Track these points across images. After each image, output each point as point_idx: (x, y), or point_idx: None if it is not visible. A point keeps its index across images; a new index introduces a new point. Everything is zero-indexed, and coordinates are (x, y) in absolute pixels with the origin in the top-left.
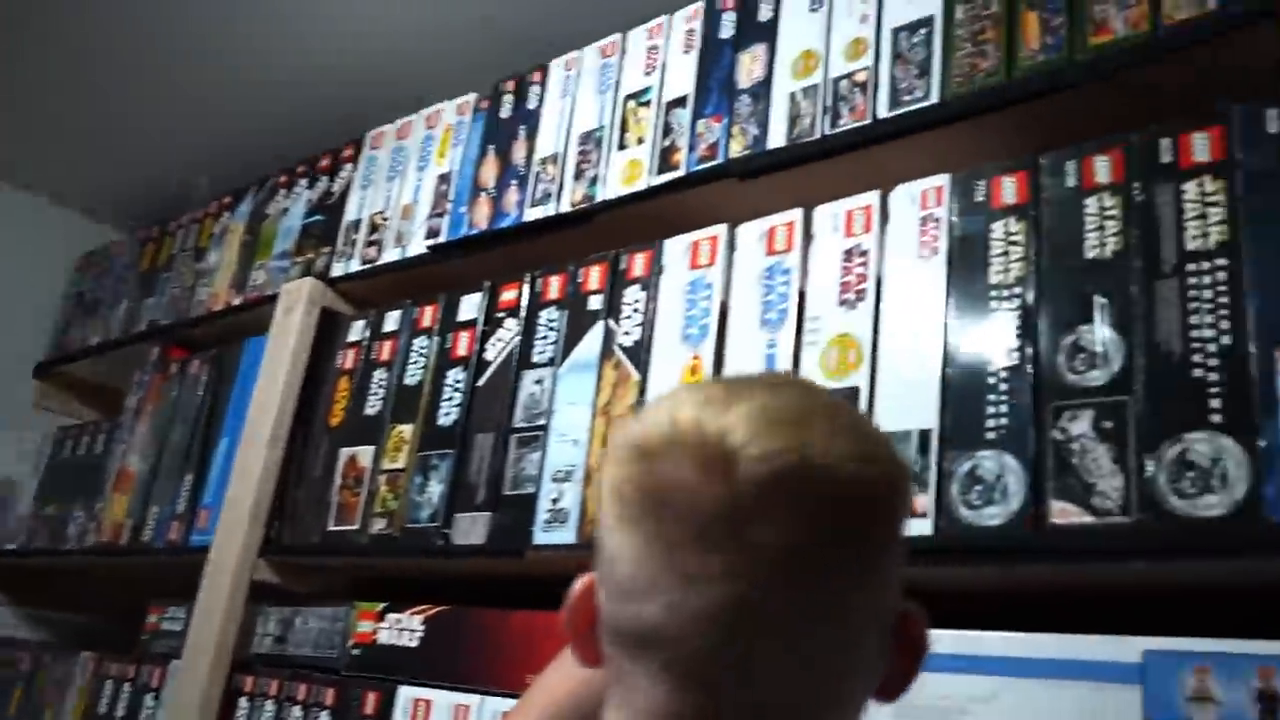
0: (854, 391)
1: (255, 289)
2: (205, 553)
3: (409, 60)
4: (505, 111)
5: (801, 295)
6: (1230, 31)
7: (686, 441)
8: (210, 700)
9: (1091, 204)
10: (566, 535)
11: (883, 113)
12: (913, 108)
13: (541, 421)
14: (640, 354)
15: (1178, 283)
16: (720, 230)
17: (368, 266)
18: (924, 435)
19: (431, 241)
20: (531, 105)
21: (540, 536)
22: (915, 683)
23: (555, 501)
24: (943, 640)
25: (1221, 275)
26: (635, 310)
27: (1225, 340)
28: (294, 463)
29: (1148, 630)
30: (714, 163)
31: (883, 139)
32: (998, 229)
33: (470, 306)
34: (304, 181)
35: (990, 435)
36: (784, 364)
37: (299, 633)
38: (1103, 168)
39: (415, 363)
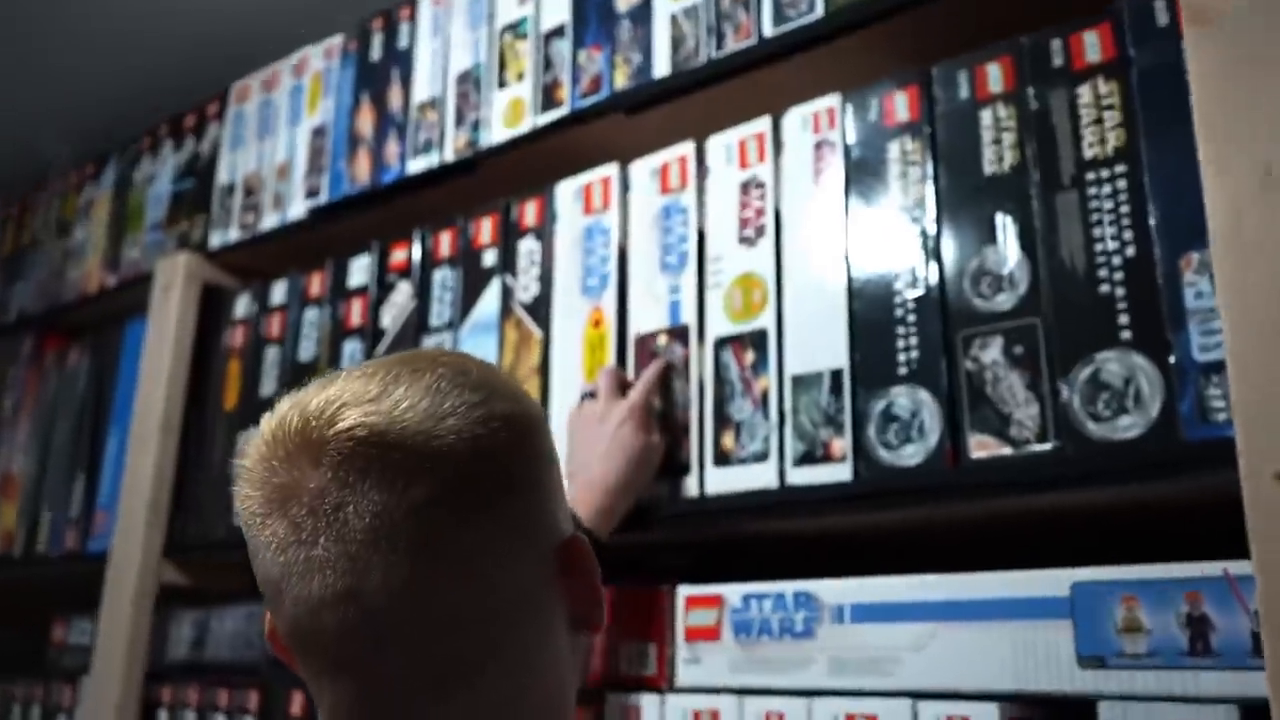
0: (762, 334)
1: (130, 266)
2: (105, 558)
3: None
4: (376, 54)
5: (701, 235)
6: None
7: (278, 441)
8: (126, 715)
9: (986, 116)
10: None
11: (768, 31)
12: (798, 23)
13: None
14: (540, 310)
15: (1078, 194)
16: (612, 170)
17: (247, 235)
18: (835, 375)
19: (312, 203)
20: (403, 45)
21: None
22: (604, 605)
23: None
24: (870, 588)
25: (1121, 184)
26: (531, 263)
27: (1130, 252)
28: (191, 453)
29: (1077, 562)
30: (598, 97)
31: (771, 59)
32: (893, 149)
33: (360, 271)
34: (170, 143)
35: (902, 371)
36: (689, 309)
37: (217, 635)
38: (995, 76)
39: (308, 336)
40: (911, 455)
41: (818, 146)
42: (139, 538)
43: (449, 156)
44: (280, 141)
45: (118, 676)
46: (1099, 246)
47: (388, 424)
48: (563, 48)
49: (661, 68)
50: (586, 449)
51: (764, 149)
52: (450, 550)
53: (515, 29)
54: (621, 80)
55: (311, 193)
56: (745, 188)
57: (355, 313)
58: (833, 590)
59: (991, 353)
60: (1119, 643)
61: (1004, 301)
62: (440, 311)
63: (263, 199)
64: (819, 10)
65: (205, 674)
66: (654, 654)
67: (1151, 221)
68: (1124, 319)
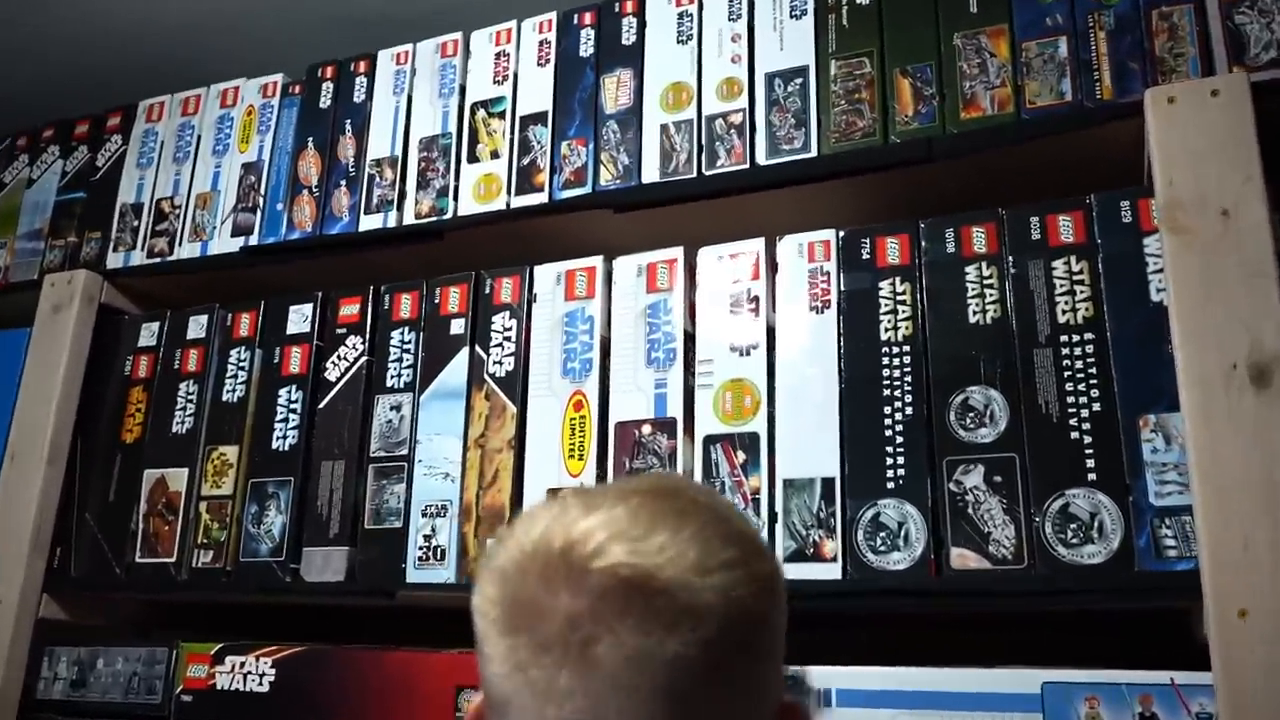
0: (754, 437)
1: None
2: None
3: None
4: (324, 101)
5: (689, 336)
6: (1088, 126)
7: (537, 557)
8: None
9: (972, 271)
10: (444, 574)
11: (762, 159)
12: (792, 158)
13: (403, 451)
14: (515, 385)
15: (1053, 352)
16: (596, 262)
17: (154, 260)
18: (827, 483)
19: (247, 241)
20: (358, 99)
21: (414, 575)
22: None
23: (428, 538)
24: (856, 676)
25: (1090, 349)
26: (506, 339)
27: (1096, 406)
28: (78, 484)
29: (1044, 658)
30: (582, 190)
31: (765, 186)
32: (885, 287)
33: (300, 318)
34: (54, 149)
35: (890, 485)
36: (675, 404)
37: (102, 675)
38: (979, 238)
39: (234, 376)
40: (897, 561)
41: (813, 273)
42: (19, 570)
43: (409, 219)
44: (203, 169)
45: None
46: (1070, 399)
47: (654, 568)
48: (541, 134)
49: (650, 173)
50: None
51: (758, 266)
52: (696, 708)
53: (489, 106)
54: (607, 177)
55: (242, 229)
56: (737, 299)
57: (294, 360)
58: (821, 675)
59: (974, 478)
60: None
61: (986, 435)
62: (398, 372)
63: (178, 226)
64: (813, 149)
65: (91, 717)
66: None
67: (1115, 385)
68: (1090, 463)
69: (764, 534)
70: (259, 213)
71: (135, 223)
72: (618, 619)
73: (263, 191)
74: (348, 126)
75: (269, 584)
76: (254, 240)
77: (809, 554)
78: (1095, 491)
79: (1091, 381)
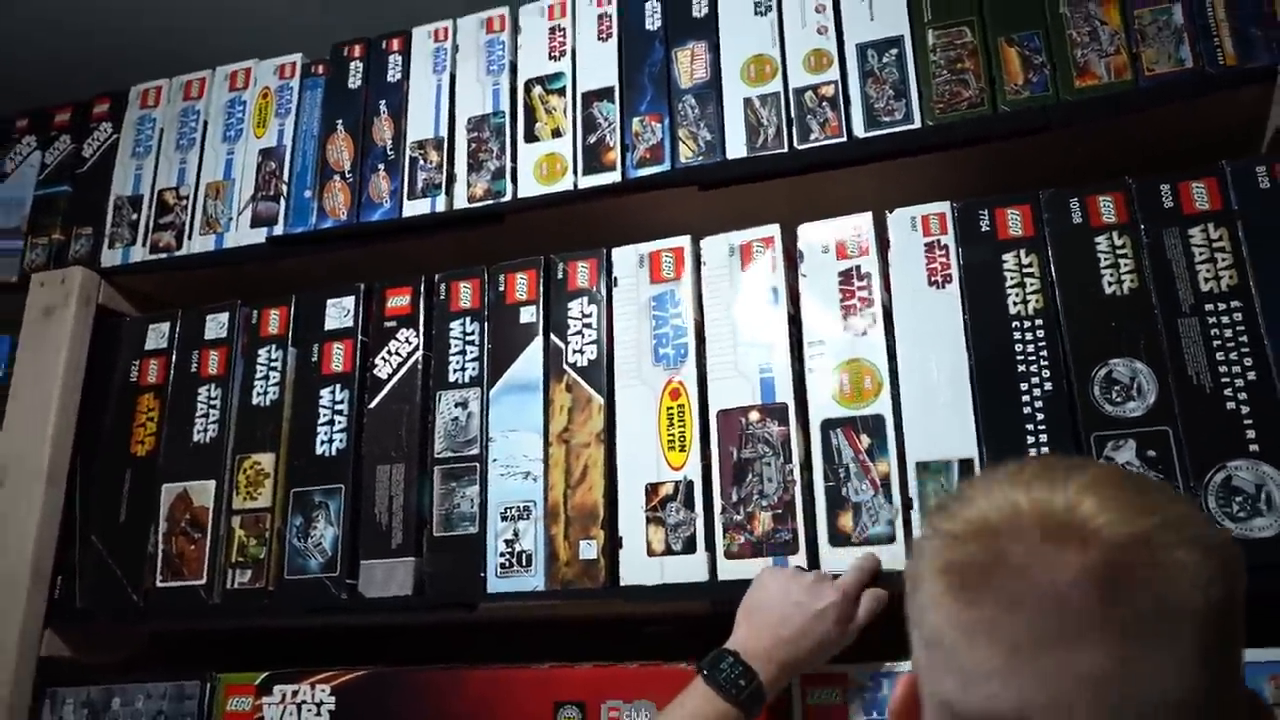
0: (879, 420)
1: None
2: None
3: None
4: (354, 82)
5: (793, 318)
6: (1215, 92)
7: (1033, 518)
8: None
9: (1103, 242)
10: (532, 581)
11: (860, 131)
12: (895, 129)
13: (474, 451)
14: (600, 375)
15: (1198, 321)
16: (684, 242)
17: (165, 255)
18: (965, 464)
19: (271, 232)
20: (393, 78)
21: (496, 584)
22: None
23: (510, 543)
24: None
25: (1239, 316)
26: (586, 326)
27: (1251, 375)
28: (79, 504)
29: None
30: (661, 168)
31: (868, 159)
32: (1010, 260)
33: (340, 312)
34: (31, 139)
35: None
36: (784, 388)
37: (120, 717)
38: (1107, 207)
39: (265, 378)
40: None
41: (929, 247)
42: (19, 604)
43: (460, 203)
44: (214, 157)
45: None
46: (1222, 369)
47: (1163, 531)
48: (608, 110)
49: (736, 149)
50: (782, 605)
51: (865, 242)
52: (1214, 661)
53: (545, 83)
54: (687, 154)
55: (265, 220)
56: (846, 276)
57: (336, 357)
58: None
59: (1126, 453)
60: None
61: (1134, 409)
62: (461, 366)
63: (185, 219)
64: (915, 120)
65: None
66: None
67: (1269, 352)
68: (1251, 434)
69: (899, 520)
70: (283, 201)
71: (133, 216)
72: (1140, 573)
73: (286, 179)
74: (383, 107)
75: (322, 603)
76: (279, 230)
77: None
78: (1259, 463)
79: (1243, 350)
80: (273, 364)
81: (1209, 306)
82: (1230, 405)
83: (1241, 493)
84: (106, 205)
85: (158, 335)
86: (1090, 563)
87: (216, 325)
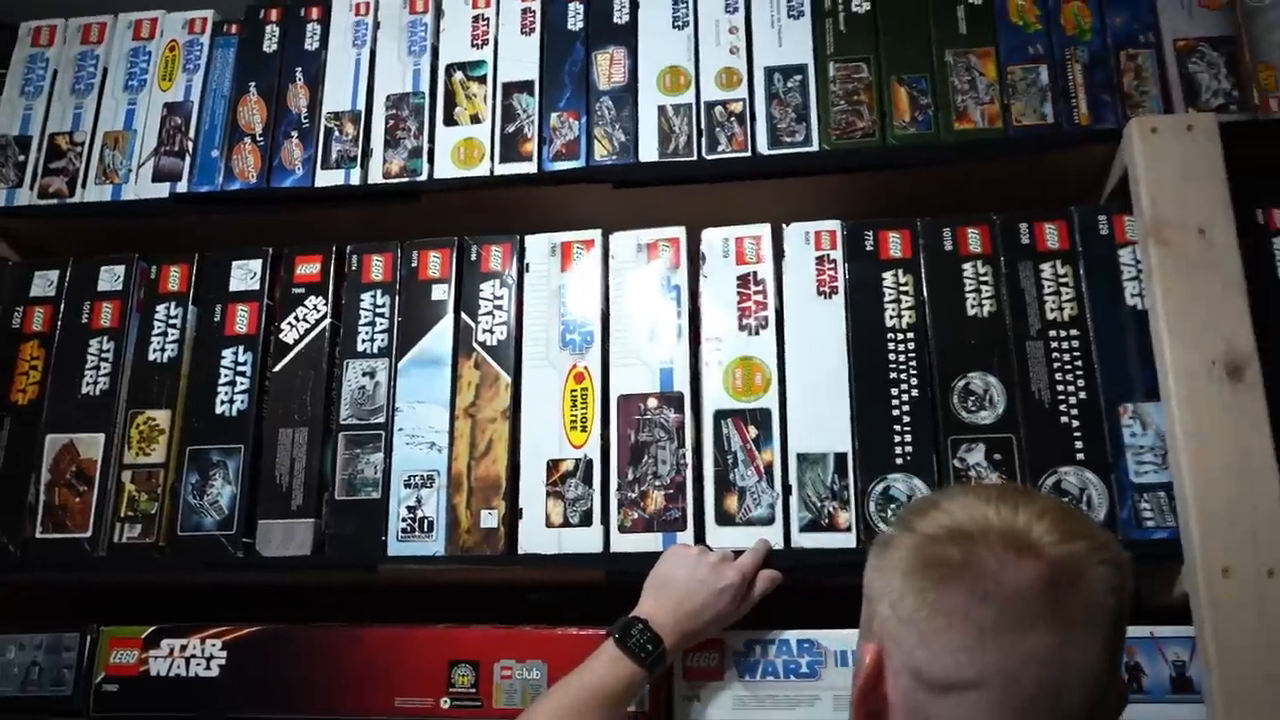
0: (766, 413)
1: None
2: None
3: None
4: (269, 45)
5: (694, 314)
6: (1070, 146)
7: (999, 532)
8: None
9: (969, 268)
10: (433, 546)
11: (764, 148)
12: (794, 150)
13: (380, 420)
14: (508, 355)
15: (1043, 345)
16: (595, 235)
17: (56, 202)
18: (840, 458)
19: (174, 188)
20: (310, 46)
21: (397, 548)
22: None
23: (413, 510)
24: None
25: (1075, 343)
26: (497, 308)
27: (1083, 395)
28: None
29: None
30: (575, 163)
31: (768, 175)
32: (889, 278)
33: (246, 275)
34: None
35: (899, 460)
36: (682, 379)
37: None
38: (974, 238)
39: (163, 334)
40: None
41: (819, 260)
42: None
43: (375, 177)
44: (113, 105)
45: None
46: (1060, 388)
47: (1089, 551)
48: (527, 103)
49: (649, 152)
50: (688, 581)
51: (761, 250)
52: (1116, 651)
53: (467, 70)
54: (602, 152)
55: (168, 175)
56: (744, 280)
57: (240, 319)
58: (834, 638)
59: (976, 456)
60: None
61: (986, 417)
62: (370, 336)
63: (79, 165)
64: (814, 143)
65: None
66: (647, 693)
67: (1097, 376)
68: (1079, 444)
69: (779, 504)
70: (189, 158)
71: (20, 157)
72: (1080, 579)
73: (192, 136)
74: (299, 74)
75: (217, 559)
76: (183, 187)
77: (824, 524)
78: (1084, 470)
79: (1078, 372)
80: (172, 321)
81: (1052, 333)
82: (1064, 419)
83: (1068, 495)
84: None
85: (45, 283)
86: (1041, 571)
87: (111, 277)
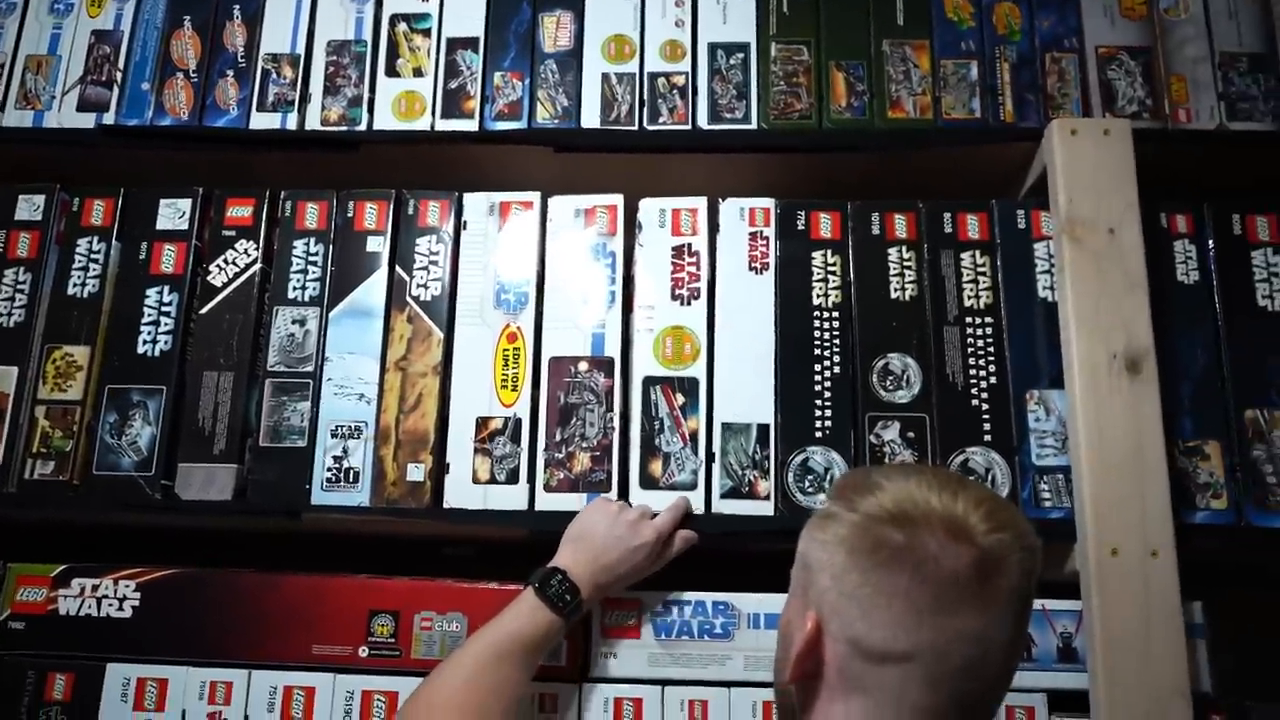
0: (694, 382)
1: None
2: None
3: None
4: None
5: (628, 280)
6: (995, 142)
7: (941, 518)
8: None
9: (894, 253)
10: (358, 497)
11: (704, 122)
12: (734, 127)
13: (309, 368)
14: (441, 311)
15: (959, 330)
16: (534, 197)
17: None
18: (762, 429)
19: (101, 119)
20: None
21: (322, 497)
22: None
23: (339, 460)
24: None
25: (989, 330)
26: (433, 263)
27: (993, 380)
28: None
29: None
30: (517, 124)
31: (707, 149)
32: (818, 257)
33: (175, 214)
34: None
35: (819, 434)
36: (613, 344)
37: None
38: (901, 224)
39: (84, 269)
40: (824, 502)
41: (752, 236)
42: None
43: (313, 123)
44: (36, 30)
45: None
46: (972, 372)
47: (1014, 539)
48: (472, 59)
49: (591, 119)
50: (606, 536)
51: (697, 223)
52: (1024, 631)
53: (413, 21)
54: (544, 115)
55: (94, 105)
56: (679, 251)
57: (167, 258)
58: (749, 601)
59: (891, 433)
60: None
61: (902, 396)
62: (302, 284)
63: (0, 89)
64: (753, 121)
65: None
66: (565, 648)
67: (1008, 363)
68: (987, 426)
69: (701, 470)
70: (117, 89)
71: None
72: (1008, 564)
73: (122, 66)
74: (236, 12)
75: (133, 500)
76: (110, 119)
77: (744, 492)
78: (990, 451)
79: (990, 358)
80: (94, 256)
81: (969, 319)
82: (974, 402)
83: (974, 474)
84: None
85: None
86: (973, 557)
87: (30, 207)
